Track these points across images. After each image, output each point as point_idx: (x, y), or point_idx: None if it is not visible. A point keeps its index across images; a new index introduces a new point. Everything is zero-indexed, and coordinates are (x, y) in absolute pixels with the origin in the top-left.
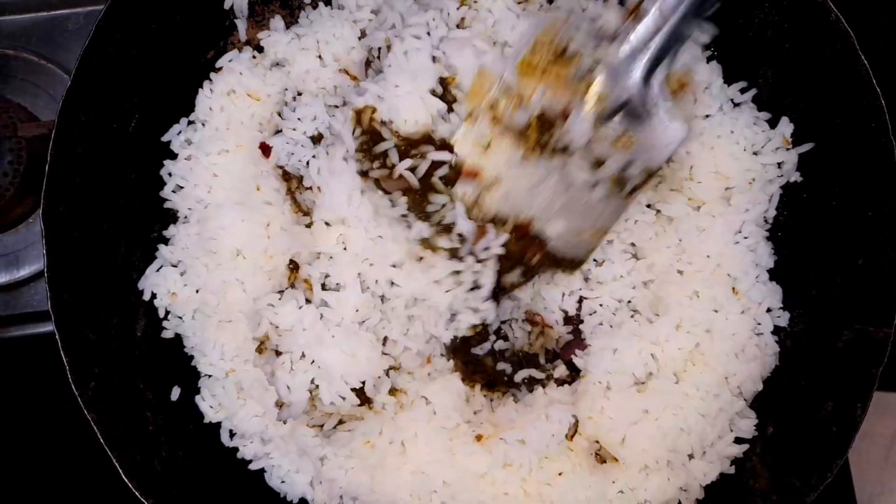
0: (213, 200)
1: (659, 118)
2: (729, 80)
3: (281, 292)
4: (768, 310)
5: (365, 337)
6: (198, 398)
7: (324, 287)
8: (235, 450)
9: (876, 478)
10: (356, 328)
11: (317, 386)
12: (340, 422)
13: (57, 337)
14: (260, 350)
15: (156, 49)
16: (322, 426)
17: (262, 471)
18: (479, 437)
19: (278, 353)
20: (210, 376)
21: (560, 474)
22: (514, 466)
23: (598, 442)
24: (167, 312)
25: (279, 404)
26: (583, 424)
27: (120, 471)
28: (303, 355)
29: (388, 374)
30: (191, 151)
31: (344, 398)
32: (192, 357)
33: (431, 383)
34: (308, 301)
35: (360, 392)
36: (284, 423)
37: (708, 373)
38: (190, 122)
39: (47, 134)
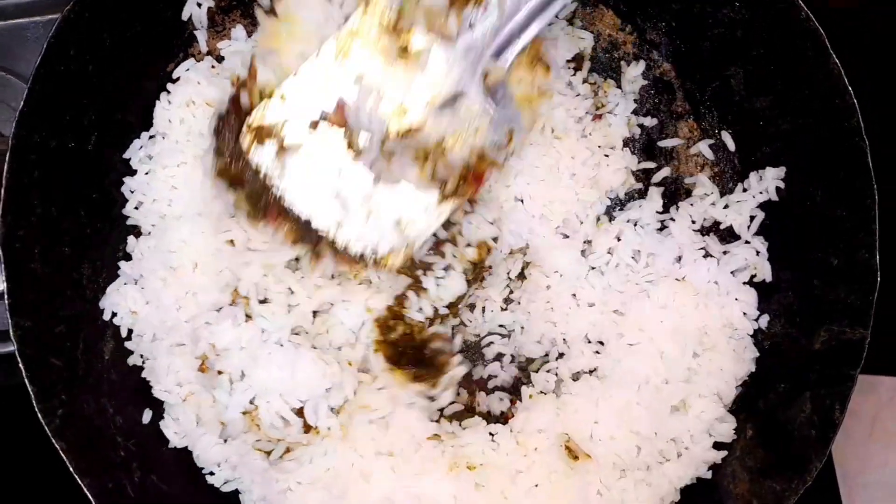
0: (172, 213)
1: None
2: (697, 80)
3: (219, 309)
4: (744, 313)
5: (304, 354)
6: (162, 423)
7: (261, 302)
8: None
9: (859, 454)
10: (292, 346)
11: (256, 406)
12: (287, 450)
13: (21, 366)
14: (202, 369)
15: (113, 63)
16: (269, 453)
17: (237, 493)
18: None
19: (219, 373)
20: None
21: (536, 486)
22: (486, 487)
23: (566, 434)
24: (130, 332)
25: (221, 423)
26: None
27: (91, 498)
28: (242, 374)
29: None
30: (150, 166)
31: (285, 419)
32: None
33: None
34: (248, 317)
35: (300, 412)
36: (225, 441)
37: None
38: (151, 137)
39: (6, 149)
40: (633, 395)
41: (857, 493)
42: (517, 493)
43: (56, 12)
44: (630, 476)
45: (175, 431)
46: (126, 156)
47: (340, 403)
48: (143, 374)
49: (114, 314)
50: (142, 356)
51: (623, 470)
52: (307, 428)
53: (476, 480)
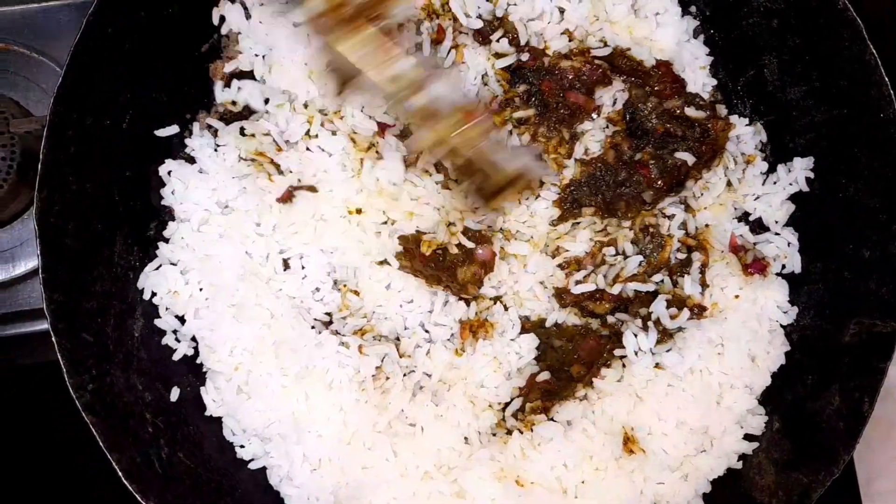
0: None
1: None
2: (731, 70)
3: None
4: (776, 305)
5: None
6: (202, 390)
7: None
8: (235, 450)
9: (877, 462)
10: None
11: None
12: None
13: (53, 339)
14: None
15: (149, 43)
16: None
17: (263, 470)
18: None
19: None
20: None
21: (583, 482)
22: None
23: (632, 427)
24: (166, 310)
25: None
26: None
27: (120, 473)
28: None
29: None
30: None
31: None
32: (192, 357)
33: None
34: None
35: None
36: None
37: (725, 366)
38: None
39: (40, 129)
40: (689, 388)
41: (876, 500)
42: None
43: None
44: (677, 471)
45: (214, 399)
46: (160, 133)
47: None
48: (188, 347)
49: (153, 294)
50: (175, 332)
51: (668, 465)
52: None
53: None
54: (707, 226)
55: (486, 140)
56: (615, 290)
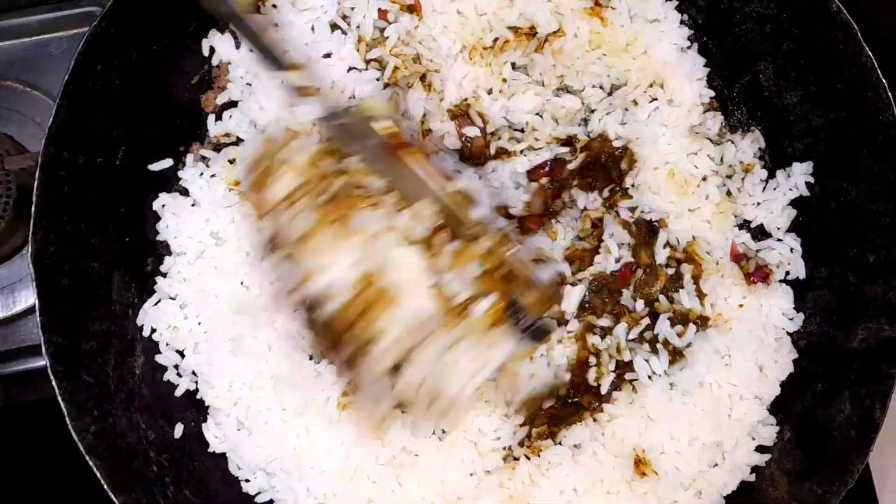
0: (207, 237)
1: None
2: (726, 77)
3: None
4: (781, 312)
5: None
6: (204, 426)
7: None
8: (241, 484)
9: (890, 452)
10: None
11: None
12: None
13: (53, 383)
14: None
15: (140, 78)
16: None
17: (270, 503)
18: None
19: None
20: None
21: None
22: None
23: (642, 448)
24: (166, 346)
25: None
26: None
27: None
28: None
29: None
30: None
31: None
32: (194, 391)
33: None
34: None
35: None
36: None
37: (733, 377)
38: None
39: (34, 166)
40: (701, 403)
41: (891, 488)
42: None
43: (78, 27)
44: (690, 488)
45: (216, 435)
46: (153, 167)
47: None
48: (189, 383)
49: (153, 330)
50: (176, 367)
51: (680, 482)
52: None
53: None
54: (694, 238)
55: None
56: (626, 356)
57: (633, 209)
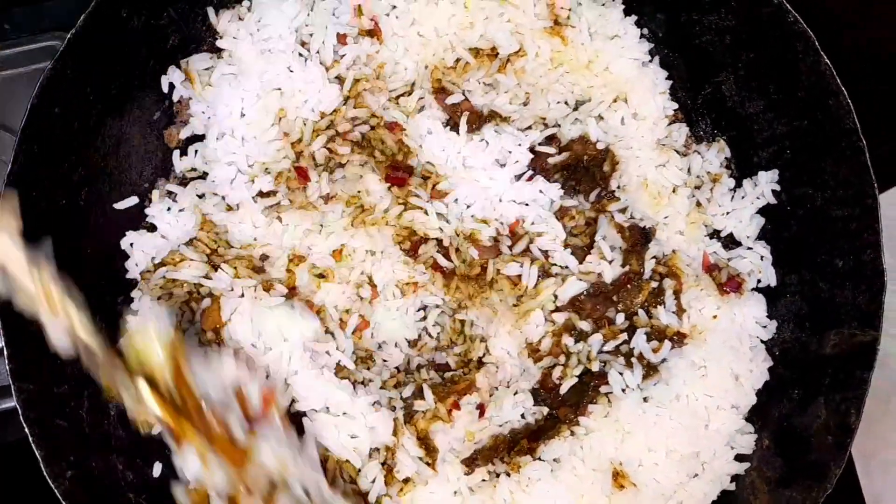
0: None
1: None
2: (688, 88)
3: None
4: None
5: None
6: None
7: None
8: None
9: (875, 433)
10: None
11: None
12: None
13: (26, 430)
14: None
15: (97, 117)
16: None
17: None
18: None
19: None
20: None
21: None
22: None
23: (620, 462)
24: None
25: None
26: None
27: None
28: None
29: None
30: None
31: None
32: None
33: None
34: None
35: None
36: None
37: (709, 388)
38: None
39: None
40: (677, 416)
41: (874, 473)
42: None
43: (42, 62)
44: (671, 500)
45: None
46: (119, 206)
47: None
48: None
49: None
50: None
51: (661, 494)
52: None
53: None
54: (674, 251)
55: None
56: (595, 367)
57: (623, 210)
